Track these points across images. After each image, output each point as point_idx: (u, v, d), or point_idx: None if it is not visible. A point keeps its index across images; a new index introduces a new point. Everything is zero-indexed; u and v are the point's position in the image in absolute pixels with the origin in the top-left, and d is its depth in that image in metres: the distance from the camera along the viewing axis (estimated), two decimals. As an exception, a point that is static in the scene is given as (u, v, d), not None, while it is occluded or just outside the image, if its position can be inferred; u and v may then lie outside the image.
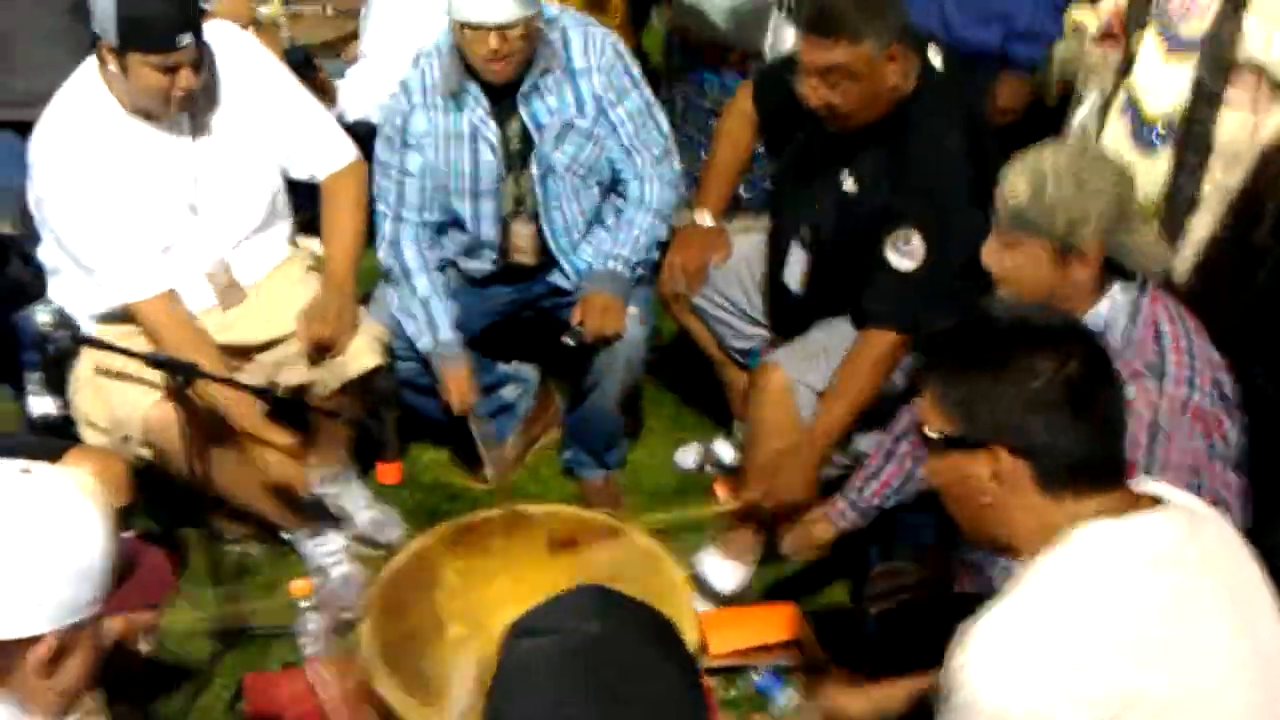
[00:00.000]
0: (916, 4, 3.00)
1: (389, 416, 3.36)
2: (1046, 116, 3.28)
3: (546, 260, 3.38)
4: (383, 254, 3.35)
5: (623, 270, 3.27)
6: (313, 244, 3.33)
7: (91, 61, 2.96)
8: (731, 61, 3.77)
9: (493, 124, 3.23)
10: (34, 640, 1.53)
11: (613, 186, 3.37)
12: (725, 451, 3.57)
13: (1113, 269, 2.31)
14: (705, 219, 3.32)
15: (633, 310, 3.25)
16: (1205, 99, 2.77)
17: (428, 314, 3.28)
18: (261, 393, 2.99)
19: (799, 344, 3.09)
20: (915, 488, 2.69)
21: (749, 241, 3.31)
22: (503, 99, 3.21)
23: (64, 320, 3.08)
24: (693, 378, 3.71)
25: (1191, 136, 2.81)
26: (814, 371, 2.99)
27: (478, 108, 3.22)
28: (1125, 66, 2.93)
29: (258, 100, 3.11)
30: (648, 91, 3.34)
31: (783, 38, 3.62)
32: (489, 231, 3.33)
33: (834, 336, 3.02)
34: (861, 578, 2.86)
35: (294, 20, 3.91)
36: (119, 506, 2.21)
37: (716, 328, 3.38)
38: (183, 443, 2.84)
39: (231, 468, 3.08)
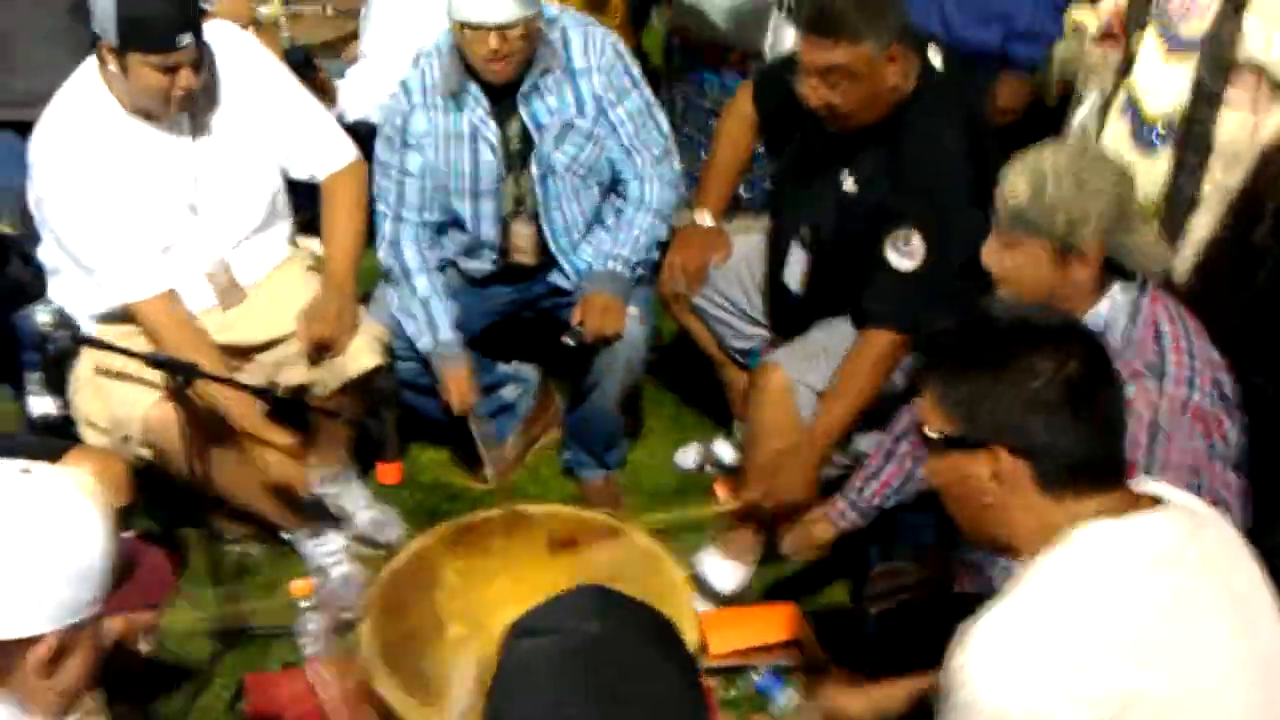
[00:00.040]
0: (917, 4, 3.01)
1: (389, 416, 3.36)
2: (1047, 116, 3.28)
3: (546, 260, 3.38)
4: (382, 254, 3.35)
5: (623, 270, 3.27)
6: (313, 244, 3.34)
7: (91, 61, 2.96)
8: (731, 61, 3.77)
9: (493, 124, 3.23)
10: (34, 640, 1.53)
11: (613, 186, 3.37)
12: (725, 451, 3.57)
13: (1113, 269, 2.31)
14: (705, 219, 3.32)
15: (633, 310, 3.25)
16: (1205, 99, 2.77)
17: (428, 314, 3.28)
18: (261, 393, 2.99)
19: (799, 344, 3.09)
20: (915, 488, 2.69)
21: (749, 241, 3.31)
22: (503, 99, 3.21)
23: (64, 320, 3.08)
24: (693, 378, 3.71)
25: (1191, 136, 2.82)
26: (814, 371, 2.99)
27: (478, 108, 3.22)
28: (1125, 66, 2.94)
29: (258, 100, 3.11)
30: (648, 91, 3.34)
31: (783, 38, 3.62)
32: (489, 231, 3.33)
33: (834, 336, 3.02)
34: (861, 578, 2.86)
35: (294, 20, 3.91)
36: (119, 506, 2.21)
37: (716, 328, 3.38)
38: (182, 443, 2.84)
39: (231, 468, 3.08)
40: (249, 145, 3.11)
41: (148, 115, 2.98)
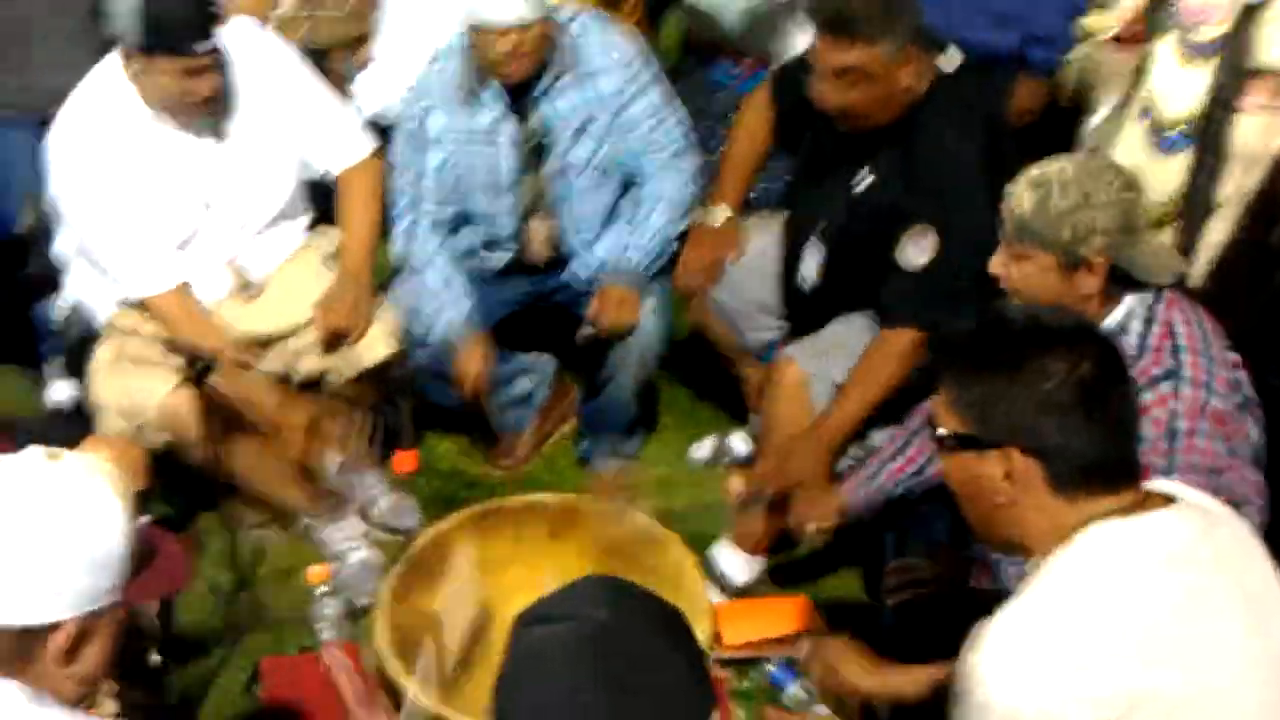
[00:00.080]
0: (934, 6, 2.99)
1: (405, 405, 3.37)
2: (1064, 118, 3.28)
3: (563, 256, 3.38)
4: (399, 245, 3.36)
5: (639, 265, 3.27)
6: (329, 235, 3.35)
7: (112, 58, 2.96)
8: (746, 60, 3.77)
9: (510, 122, 3.23)
10: (54, 628, 1.54)
11: (629, 183, 3.37)
12: (740, 445, 3.57)
13: (1125, 278, 2.31)
14: (721, 214, 3.32)
15: (648, 303, 3.26)
16: (1222, 104, 2.77)
17: (444, 296, 3.29)
18: (279, 382, 3.00)
19: (815, 339, 3.10)
20: (931, 477, 2.68)
21: (764, 237, 3.31)
22: (519, 97, 3.21)
23: (82, 309, 3.10)
24: (707, 372, 3.71)
25: (1209, 140, 2.81)
26: (830, 366, 2.99)
27: (495, 107, 3.22)
28: (1142, 71, 2.93)
29: (276, 96, 3.12)
30: (664, 88, 3.34)
31: (801, 41, 3.61)
32: (506, 228, 3.34)
33: (850, 331, 3.03)
34: (874, 571, 2.86)
35: (311, 19, 3.91)
36: (136, 492, 2.23)
37: (732, 322, 3.38)
38: (199, 429, 2.87)
39: (247, 454, 3.10)
40: (267, 141, 3.12)
41: (167, 112, 2.98)
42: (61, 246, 3.16)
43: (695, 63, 3.93)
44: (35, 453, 1.62)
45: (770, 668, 2.86)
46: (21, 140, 3.29)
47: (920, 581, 2.64)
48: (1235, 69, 2.74)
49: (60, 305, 3.14)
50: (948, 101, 2.85)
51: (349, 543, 3.21)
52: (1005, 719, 1.60)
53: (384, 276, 3.39)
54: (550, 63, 3.18)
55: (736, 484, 3.39)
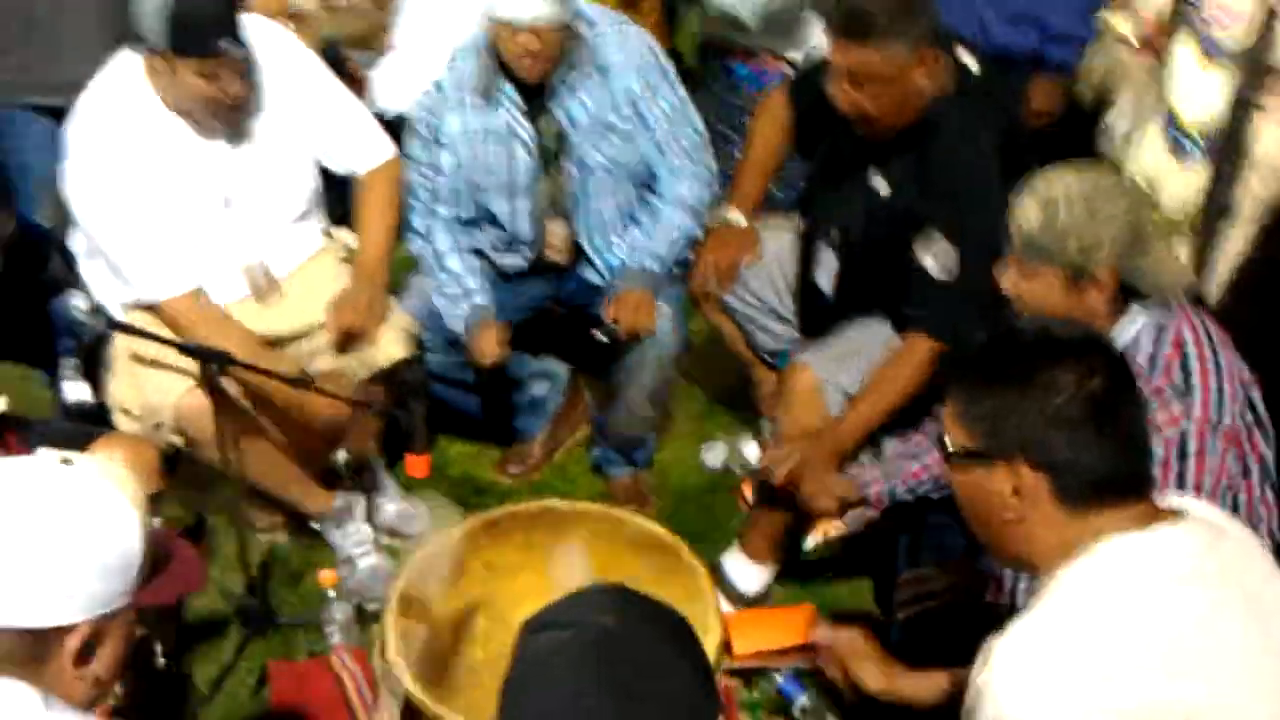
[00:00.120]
0: (952, 8, 2.99)
1: (418, 408, 3.37)
2: (1082, 120, 3.27)
3: (580, 257, 3.39)
4: (415, 244, 3.37)
5: (655, 267, 3.27)
6: (346, 236, 3.35)
7: (129, 53, 2.96)
8: (764, 62, 3.77)
9: (526, 123, 3.23)
10: (67, 630, 1.55)
11: (646, 184, 3.37)
12: (753, 451, 3.57)
13: (1137, 290, 2.30)
14: (738, 218, 3.32)
15: (664, 308, 3.26)
16: (1243, 109, 2.75)
17: (461, 287, 3.29)
18: (295, 383, 3.00)
19: (829, 344, 3.09)
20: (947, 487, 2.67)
21: (781, 241, 3.31)
22: (536, 97, 3.22)
23: (97, 307, 3.11)
24: (721, 377, 3.71)
25: (1229, 146, 2.80)
26: (844, 372, 2.98)
27: (512, 106, 3.23)
28: (1162, 74, 2.92)
29: (294, 96, 3.12)
30: (681, 90, 3.33)
31: (818, 41, 3.61)
32: (524, 229, 3.34)
33: (865, 337, 3.02)
34: (886, 582, 2.85)
35: (329, 12, 3.92)
36: (150, 493, 2.23)
37: (746, 326, 3.38)
38: (214, 430, 2.86)
39: (262, 456, 3.10)
40: (285, 141, 3.12)
41: (189, 115, 2.99)
42: (75, 242, 3.16)
43: (713, 64, 3.93)
44: (49, 456, 1.63)
45: (779, 679, 2.86)
46: (41, 132, 3.30)
47: (931, 594, 2.63)
48: (1256, 73, 2.73)
49: (76, 304, 3.14)
50: (964, 104, 2.84)
51: (359, 547, 3.22)
52: (1022, 733, 1.60)
53: (398, 278, 3.40)
54: (568, 63, 3.18)
55: (748, 490, 3.39)
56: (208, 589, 2.97)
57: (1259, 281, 2.82)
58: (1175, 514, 1.71)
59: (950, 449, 1.76)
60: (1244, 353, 2.34)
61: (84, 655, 1.56)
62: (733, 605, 3.09)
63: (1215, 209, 2.84)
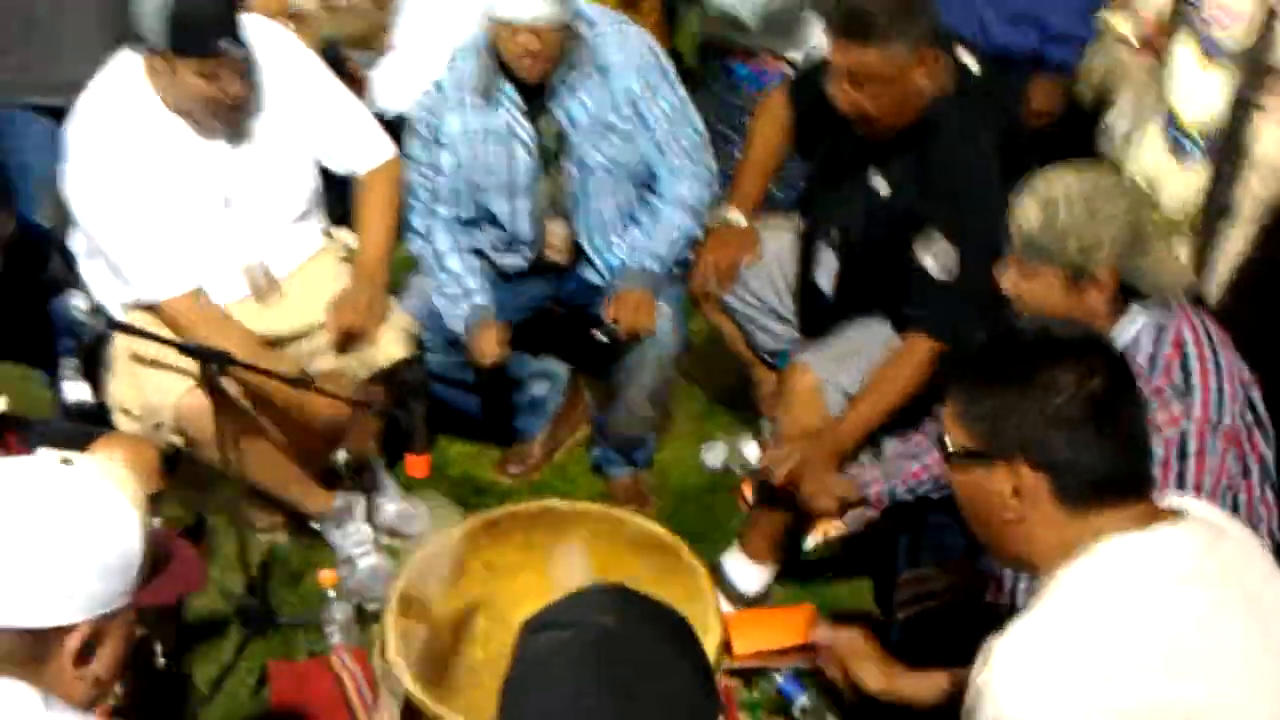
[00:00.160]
0: (952, 8, 2.99)
1: (418, 408, 3.37)
2: (1082, 120, 3.27)
3: (579, 257, 3.39)
4: (415, 245, 3.37)
5: (655, 267, 3.27)
6: (346, 236, 3.36)
7: (129, 53, 2.96)
8: (764, 62, 3.77)
9: (526, 123, 3.24)
10: (66, 630, 1.55)
11: (646, 184, 3.37)
12: (753, 451, 3.57)
13: (1137, 290, 2.30)
14: (738, 218, 3.32)
15: (664, 308, 3.26)
16: (1243, 109, 2.75)
17: (461, 287, 3.29)
18: (295, 383, 3.00)
19: (829, 344, 3.09)
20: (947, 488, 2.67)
21: (781, 241, 3.31)
22: (537, 98, 3.22)
23: (97, 307, 3.11)
24: (721, 377, 3.71)
25: (1229, 146, 2.80)
26: (844, 372, 2.99)
27: (512, 107, 3.23)
28: (1162, 74, 2.92)
29: (294, 97, 3.12)
30: (681, 90, 3.34)
31: (818, 41, 3.61)
32: (524, 229, 3.34)
33: (865, 337, 3.02)
34: (886, 582, 2.85)
35: (329, 13, 3.92)
36: (150, 493, 2.24)
37: (746, 326, 3.38)
38: (214, 430, 2.86)
39: (262, 456, 3.10)
40: (286, 142, 3.12)
41: (189, 115, 2.99)
42: (75, 242, 3.16)
43: (713, 64, 3.93)
44: (49, 455, 1.63)
45: (779, 679, 2.86)
46: (41, 132, 3.30)
47: (931, 594, 2.63)
48: (1256, 68, 2.73)
49: (76, 304, 3.14)
50: (964, 104, 2.84)
51: (359, 547, 3.22)
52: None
53: (399, 278, 3.40)
54: (568, 63, 3.18)
55: (748, 490, 3.39)
56: (208, 589, 2.97)
57: (1259, 281, 2.83)
58: (1175, 514, 1.71)
59: (950, 449, 1.77)
60: (1244, 353, 2.34)
61: (84, 655, 1.56)
62: (733, 605, 3.09)
63: (1215, 209, 2.84)
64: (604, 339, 3.23)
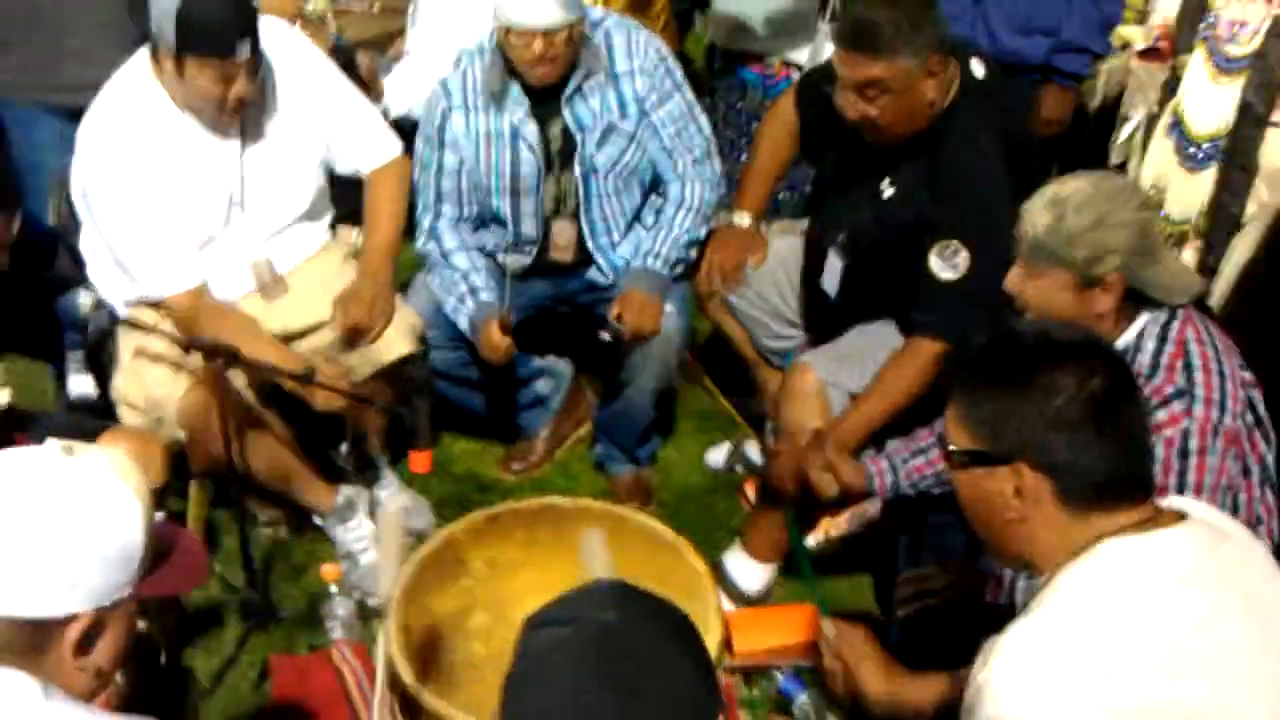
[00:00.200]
0: (962, 17, 2.99)
1: (422, 405, 3.38)
2: (1092, 129, 3.27)
3: (585, 258, 3.39)
4: (421, 243, 3.38)
5: (661, 268, 3.28)
6: (352, 234, 3.36)
7: (143, 54, 2.97)
8: (772, 67, 3.77)
9: (533, 125, 3.24)
10: (68, 621, 1.55)
11: (653, 187, 3.38)
12: (755, 451, 3.57)
13: (1143, 295, 2.30)
14: (744, 220, 3.33)
15: (669, 308, 3.26)
16: (1252, 120, 2.76)
17: (468, 284, 3.30)
18: (299, 378, 3.01)
19: (833, 346, 3.10)
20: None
21: (786, 244, 3.31)
22: (544, 100, 3.22)
23: (104, 303, 3.12)
24: (725, 377, 3.71)
25: (1237, 156, 2.80)
26: (846, 373, 2.99)
27: (518, 109, 3.23)
28: (1172, 85, 2.93)
29: (304, 97, 3.12)
30: (689, 94, 3.34)
31: (827, 48, 3.62)
32: (530, 229, 3.35)
33: (869, 340, 3.03)
34: (886, 581, 2.85)
35: (341, 16, 3.93)
36: (154, 487, 2.24)
37: (751, 328, 3.39)
38: (217, 425, 2.87)
39: (265, 451, 3.11)
40: (295, 141, 3.13)
41: (197, 114, 3.00)
42: (84, 241, 3.17)
43: (721, 68, 3.94)
44: (52, 446, 1.63)
45: (779, 677, 2.86)
46: (51, 130, 3.31)
47: (931, 592, 2.63)
48: (1266, 83, 2.73)
49: (83, 300, 3.15)
50: (973, 112, 2.84)
51: (361, 543, 3.22)
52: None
53: (406, 276, 3.41)
54: (578, 65, 3.19)
55: (751, 489, 3.40)
56: (209, 583, 2.98)
57: (1262, 285, 2.83)
58: (1176, 515, 1.72)
59: (952, 451, 1.77)
60: (1246, 355, 2.35)
61: (84, 646, 1.56)
62: (734, 604, 3.10)
63: (1223, 217, 2.84)
64: (609, 339, 3.23)
